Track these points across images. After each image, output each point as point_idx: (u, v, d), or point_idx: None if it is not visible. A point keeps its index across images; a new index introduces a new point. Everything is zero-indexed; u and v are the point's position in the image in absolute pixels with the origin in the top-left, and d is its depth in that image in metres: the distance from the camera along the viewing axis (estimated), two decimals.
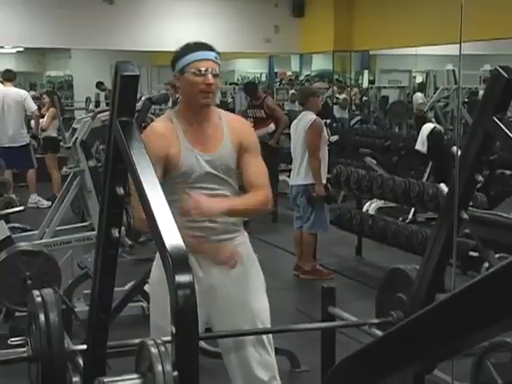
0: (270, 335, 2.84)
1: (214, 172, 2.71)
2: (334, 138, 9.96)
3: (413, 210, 7.63)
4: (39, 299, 2.34)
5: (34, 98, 10.97)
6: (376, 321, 3.02)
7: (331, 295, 3.29)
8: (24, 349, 2.40)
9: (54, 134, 9.83)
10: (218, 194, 2.71)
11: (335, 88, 13.48)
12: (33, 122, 10.01)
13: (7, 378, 3.88)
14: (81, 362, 2.53)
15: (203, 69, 2.62)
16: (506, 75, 2.26)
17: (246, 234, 2.85)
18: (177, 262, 1.57)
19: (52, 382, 2.28)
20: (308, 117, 5.99)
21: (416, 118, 10.34)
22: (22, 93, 9.30)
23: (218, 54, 2.71)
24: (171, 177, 2.70)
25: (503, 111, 2.34)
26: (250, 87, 9.23)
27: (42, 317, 2.29)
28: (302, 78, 16.12)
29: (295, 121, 6.26)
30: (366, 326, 3.13)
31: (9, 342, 2.52)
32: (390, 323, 2.87)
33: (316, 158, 5.95)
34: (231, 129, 2.76)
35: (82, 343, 2.43)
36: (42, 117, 9.70)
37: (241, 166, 2.77)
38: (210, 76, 2.62)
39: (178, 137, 2.70)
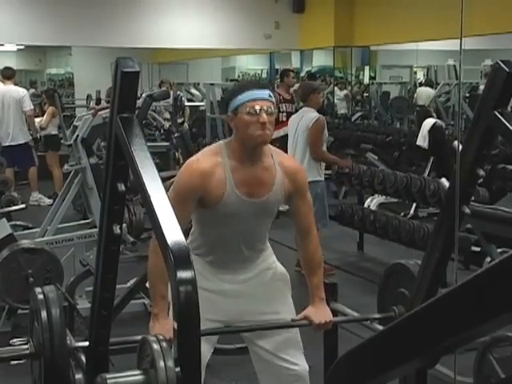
0: (299, 337, 2.86)
1: (256, 215, 2.67)
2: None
3: (414, 205, 7.62)
4: (41, 296, 2.35)
5: (34, 96, 10.98)
6: (378, 316, 3.02)
7: (333, 291, 3.29)
8: (26, 346, 2.41)
9: (55, 132, 9.83)
10: (254, 231, 2.72)
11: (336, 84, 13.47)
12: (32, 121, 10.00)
13: (9, 377, 3.89)
14: (83, 358, 2.53)
15: (258, 108, 2.54)
16: (506, 69, 2.25)
17: (268, 246, 2.86)
18: (178, 259, 1.57)
19: (54, 378, 2.28)
20: (310, 114, 5.98)
21: (420, 113, 10.31)
22: (21, 91, 9.30)
23: (272, 91, 2.65)
24: (208, 210, 2.66)
25: (504, 105, 2.33)
26: (283, 74, 9.07)
27: (43, 314, 2.29)
28: (302, 74, 16.10)
29: (294, 116, 6.25)
30: (368, 322, 3.14)
31: (11, 342, 2.52)
32: (391, 318, 2.88)
33: (319, 154, 5.97)
34: (284, 172, 2.68)
35: (84, 340, 2.43)
36: (37, 116, 9.69)
37: (292, 207, 2.77)
38: (264, 115, 2.54)
39: (226, 175, 2.61)
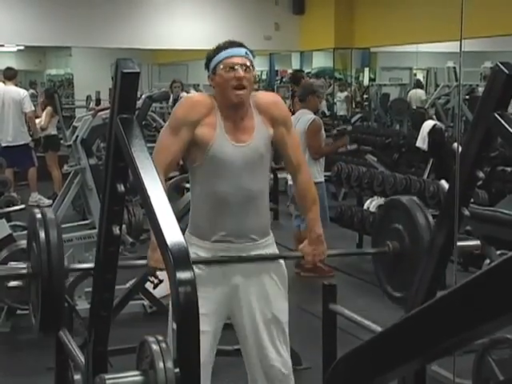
0: (286, 334, 2.85)
1: (246, 163, 2.70)
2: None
3: None
4: (39, 216, 2.35)
5: (33, 97, 10.97)
6: (372, 250, 3.04)
7: (332, 292, 3.29)
8: (24, 265, 2.42)
9: (55, 133, 9.83)
10: (247, 185, 2.71)
11: (336, 86, 13.48)
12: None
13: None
14: (83, 359, 2.54)
15: (234, 62, 2.65)
16: (506, 71, 2.25)
17: (272, 235, 2.86)
18: (178, 259, 1.57)
19: (51, 298, 2.29)
20: (307, 116, 5.98)
21: (416, 115, 10.31)
22: (22, 92, 9.29)
23: (250, 51, 2.73)
24: (198, 164, 2.70)
25: (504, 107, 2.33)
26: (297, 76, 9.06)
27: (41, 234, 2.30)
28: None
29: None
30: (367, 323, 3.13)
31: (9, 264, 2.52)
32: (385, 253, 2.88)
33: (320, 152, 6.01)
34: (259, 108, 2.75)
35: (83, 340, 2.44)
36: (37, 117, 9.68)
37: (278, 141, 2.79)
38: (240, 70, 2.63)
39: (217, 121, 2.69)
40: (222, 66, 2.66)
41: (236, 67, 2.64)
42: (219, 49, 2.72)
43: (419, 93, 13.23)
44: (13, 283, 2.46)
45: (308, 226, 2.88)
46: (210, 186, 2.71)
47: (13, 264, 2.52)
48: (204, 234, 2.74)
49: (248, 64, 2.68)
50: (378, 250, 2.97)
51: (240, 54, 2.68)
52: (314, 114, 6.12)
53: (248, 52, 2.71)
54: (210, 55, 2.73)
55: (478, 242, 2.88)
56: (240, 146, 2.69)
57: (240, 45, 2.73)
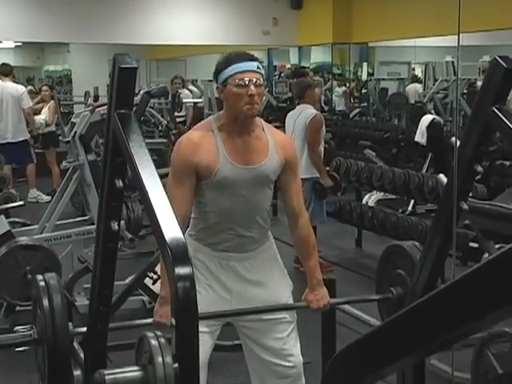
0: (295, 330, 2.85)
1: (253, 183, 2.67)
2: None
3: (412, 201, 7.62)
4: (42, 283, 2.36)
5: (31, 93, 10.94)
6: (376, 297, 3.04)
7: (331, 287, 3.29)
8: (30, 332, 2.43)
9: (54, 129, 9.81)
10: (253, 202, 2.70)
11: (334, 81, 13.46)
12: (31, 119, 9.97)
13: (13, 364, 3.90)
14: (82, 355, 2.54)
15: (246, 80, 2.57)
16: (504, 65, 2.25)
17: (270, 235, 2.85)
18: (176, 255, 1.57)
19: (57, 362, 2.30)
20: (308, 111, 5.97)
21: (414, 110, 10.31)
22: (20, 88, 9.27)
23: (261, 63, 2.69)
24: (205, 183, 2.67)
25: (502, 101, 2.33)
26: (301, 72, 9.00)
27: (45, 300, 2.31)
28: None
29: (291, 113, 6.19)
30: (366, 318, 3.14)
31: (15, 329, 2.55)
32: (389, 299, 2.89)
33: (316, 153, 5.96)
34: (276, 142, 2.71)
35: (84, 335, 2.44)
36: (35, 113, 9.65)
37: (282, 183, 2.77)
38: (252, 87, 2.57)
39: (218, 146, 2.64)
40: (233, 82, 2.59)
41: (248, 83, 2.57)
42: (230, 61, 2.63)
43: (417, 87, 13.24)
44: (19, 349, 2.50)
45: (308, 273, 2.83)
46: (214, 202, 2.68)
47: (19, 328, 2.55)
48: (205, 241, 2.74)
49: (261, 79, 2.61)
50: (382, 297, 2.98)
51: (252, 69, 2.60)
52: (315, 106, 6.10)
53: (260, 66, 2.64)
54: (221, 66, 2.65)
55: None
56: (248, 168, 2.66)
57: (251, 58, 2.65)
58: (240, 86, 2.58)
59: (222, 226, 2.70)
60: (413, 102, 12.20)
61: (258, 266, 2.77)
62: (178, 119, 10.40)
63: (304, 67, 9.99)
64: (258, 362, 2.82)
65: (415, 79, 13.98)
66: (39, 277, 2.42)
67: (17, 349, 2.51)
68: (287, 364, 2.79)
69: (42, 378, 2.44)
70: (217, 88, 2.72)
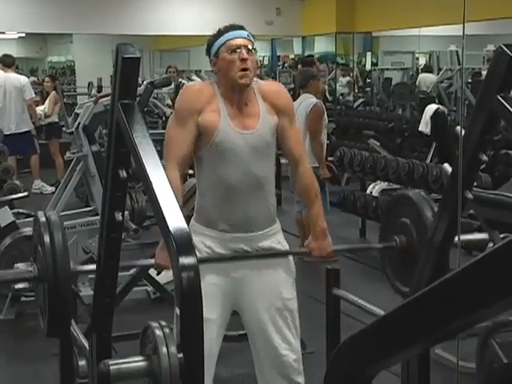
0: (297, 320, 2.85)
1: (253, 150, 2.68)
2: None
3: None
4: (44, 219, 2.36)
5: (35, 84, 10.93)
6: (379, 245, 3.04)
7: (336, 277, 3.29)
8: (30, 268, 2.42)
9: (57, 120, 9.81)
10: (255, 173, 2.69)
11: (338, 71, 13.43)
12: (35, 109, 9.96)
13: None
14: (86, 345, 2.54)
15: (238, 44, 2.64)
16: (510, 53, 2.24)
17: (278, 221, 2.85)
18: (180, 244, 1.57)
19: (58, 300, 2.30)
20: (309, 100, 5.96)
21: (424, 100, 10.26)
22: (22, 79, 9.26)
23: (251, 33, 2.73)
24: (205, 151, 2.69)
25: (507, 90, 2.32)
26: (308, 61, 8.98)
27: (46, 237, 2.31)
28: None
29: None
30: (371, 308, 3.14)
31: (15, 266, 2.53)
32: (392, 247, 2.89)
33: (318, 142, 5.95)
34: (264, 97, 2.74)
35: (87, 327, 2.44)
36: (37, 105, 9.65)
37: (280, 132, 2.77)
38: (244, 51, 2.63)
39: (219, 106, 2.68)
40: (224, 49, 2.66)
41: (239, 49, 2.64)
42: (220, 32, 2.71)
43: (431, 77, 13.05)
44: (19, 285, 2.47)
45: (311, 221, 2.85)
46: (216, 173, 2.69)
47: (19, 266, 2.52)
48: (210, 222, 2.73)
49: (250, 46, 2.67)
50: (385, 245, 2.97)
51: (242, 36, 2.67)
52: (317, 97, 6.08)
53: (249, 34, 2.71)
54: (211, 40, 2.73)
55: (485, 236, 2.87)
56: (246, 133, 2.68)
57: (241, 27, 2.73)
58: (232, 52, 2.64)
59: (224, 199, 2.69)
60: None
61: (265, 250, 2.77)
62: None
63: (311, 55, 9.95)
64: (261, 347, 2.83)
65: (428, 69, 13.84)
66: (40, 213, 2.41)
67: (16, 286, 2.48)
68: (285, 352, 2.80)
69: (42, 317, 2.44)
70: (210, 61, 2.75)
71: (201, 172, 2.76)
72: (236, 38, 2.66)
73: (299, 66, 9.74)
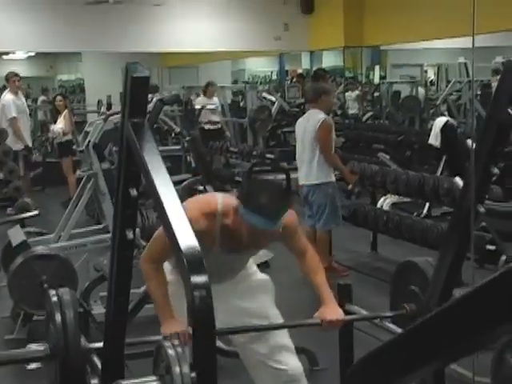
0: (286, 338, 2.91)
1: (241, 258, 2.82)
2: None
3: (427, 204, 7.58)
4: (55, 298, 2.36)
5: (45, 102, 10.97)
6: (389, 314, 3.03)
7: (347, 292, 3.27)
8: (42, 348, 2.42)
9: (70, 137, 9.83)
10: (230, 266, 2.81)
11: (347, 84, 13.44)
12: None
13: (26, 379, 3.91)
14: (99, 364, 2.53)
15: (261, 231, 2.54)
16: None
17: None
18: (192, 263, 1.56)
19: (70, 378, 2.30)
20: (317, 116, 5.95)
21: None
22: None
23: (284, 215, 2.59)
24: None
25: None
26: (319, 75, 8.98)
27: (57, 316, 2.31)
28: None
29: (300, 120, 6.16)
30: (384, 323, 3.12)
31: (27, 346, 2.54)
32: (403, 316, 2.88)
33: (331, 155, 5.97)
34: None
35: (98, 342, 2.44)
36: (50, 123, 9.70)
37: (283, 242, 2.82)
38: (262, 238, 2.60)
39: (215, 226, 2.61)
40: (249, 223, 2.52)
41: (263, 232, 2.55)
42: (261, 209, 2.50)
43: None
44: (32, 366, 2.49)
45: (318, 291, 2.86)
46: None
47: (31, 345, 2.55)
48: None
49: (275, 234, 2.60)
50: (395, 313, 2.97)
51: (271, 228, 2.55)
52: (328, 114, 6.08)
53: (280, 223, 2.57)
54: (252, 200, 2.53)
55: None
56: (236, 253, 2.73)
57: (278, 215, 2.54)
58: (253, 229, 2.53)
59: None
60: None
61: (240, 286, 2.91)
62: (209, 126, 10.34)
63: (323, 70, 9.93)
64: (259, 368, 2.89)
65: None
66: (52, 291, 2.41)
67: (28, 367, 2.49)
68: (282, 367, 2.88)
69: None
70: (237, 198, 2.60)
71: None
72: (266, 228, 2.52)
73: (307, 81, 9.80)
